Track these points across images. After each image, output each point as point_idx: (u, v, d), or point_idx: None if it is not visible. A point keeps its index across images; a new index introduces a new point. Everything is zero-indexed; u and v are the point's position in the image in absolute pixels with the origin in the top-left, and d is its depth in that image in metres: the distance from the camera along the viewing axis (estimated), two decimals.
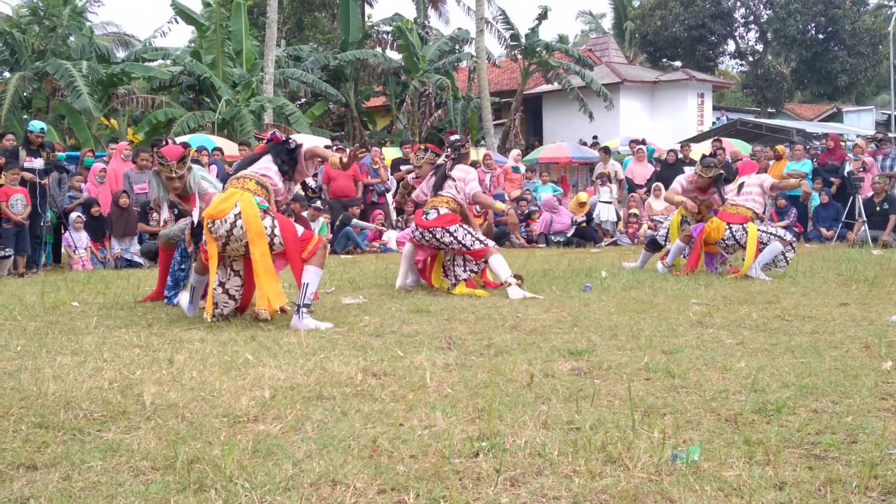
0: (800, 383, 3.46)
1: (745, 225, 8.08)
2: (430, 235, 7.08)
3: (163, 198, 6.21)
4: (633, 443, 2.67)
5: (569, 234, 14.41)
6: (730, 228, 8.15)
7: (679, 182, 8.87)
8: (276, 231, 5.36)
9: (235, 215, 5.33)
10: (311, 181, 6.48)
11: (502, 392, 3.38)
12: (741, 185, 8.50)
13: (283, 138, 5.80)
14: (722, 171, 8.63)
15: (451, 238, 7.03)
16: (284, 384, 3.53)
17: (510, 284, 6.83)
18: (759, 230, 8.08)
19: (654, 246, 9.34)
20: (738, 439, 2.71)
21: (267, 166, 5.69)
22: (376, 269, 9.63)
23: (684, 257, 8.63)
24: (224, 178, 5.94)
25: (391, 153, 18.18)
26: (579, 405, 3.15)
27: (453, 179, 7.24)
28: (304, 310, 5.25)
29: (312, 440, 2.75)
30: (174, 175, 6.00)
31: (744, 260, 8.04)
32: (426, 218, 7.09)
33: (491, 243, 7.20)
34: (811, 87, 38.13)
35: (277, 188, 5.67)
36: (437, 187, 7.29)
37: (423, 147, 7.85)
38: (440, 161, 7.48)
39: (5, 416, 3.03)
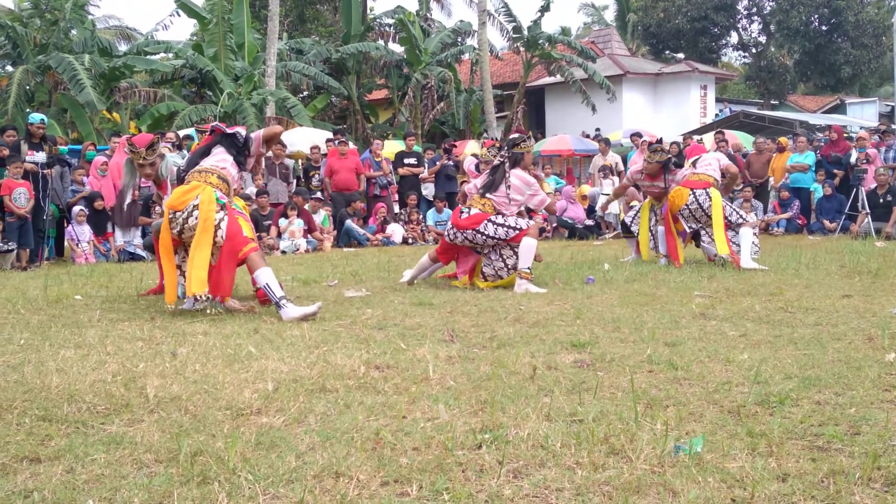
0: (803, 375, 3.46)
1: (707, 190, 8.27)
2: (462, 237, 6.93)
3: (128, 185, 6.53)
4: (635, 435, 2.67)
5: (580, 227, 14.44)
6: (693, 193, 8.28)
7: (630, 172, 9.20)
8: (223, 225, 5.60)
9: (194, 206, 5.59)
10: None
11: (505, 384, 3.38)
12: (696, 160, 8.77)
13: (230, 131, 6.02)
14: (670, 156, 8.96)
15: (484, 236, 6.83)
16: (287, 377, 3.53)
17: (524, 277, 6.72)
18: (722, 202, 8.29)
19: (628, 230, 9.45)
20: (741, 431, 2.71)
21: (223, 158, 5.94)
22: (379, 262, 9.64)
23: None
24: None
25: (394, 146, 18.20)
26: (582, 397, 3.15)
27: (508, 186, 6.90)
28: (284, 302, 5.36)
29: (315, 432, 2.75)
30: (144, 162, 6.27)
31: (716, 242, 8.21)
32: (461, 217, 6.95)
33: (525, 223, 6.91)
34: (814, 78, 38.04)
35: (234, 178, 5.93)
36: (489, 188, 6.95)
37: (496, 145, 7.78)
38: (496, 161, 7.15)
39: (9, 410, 3.04)
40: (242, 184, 6.18)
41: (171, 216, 5.69)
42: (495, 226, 6.81)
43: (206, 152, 5.96)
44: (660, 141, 9.80)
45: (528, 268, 6.78)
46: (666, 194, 8.63)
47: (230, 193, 5.82)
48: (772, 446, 2.56)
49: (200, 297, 5.40)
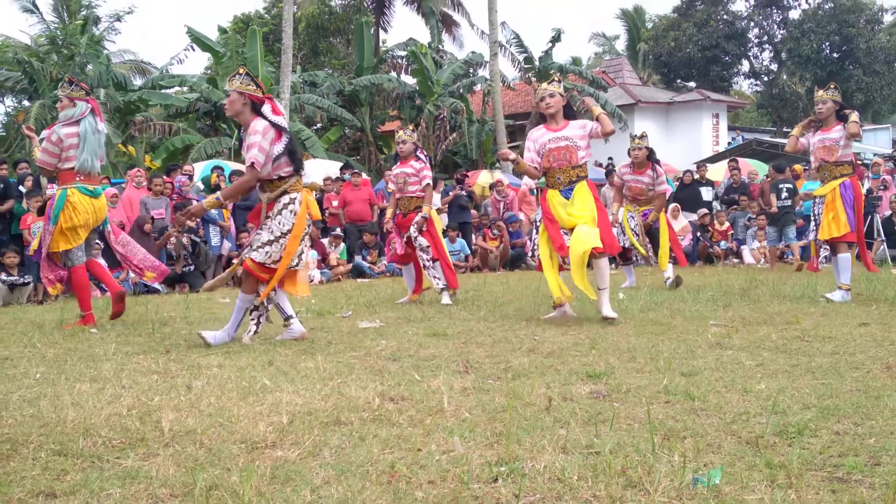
0: (821, 405, 3.43)
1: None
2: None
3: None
4: (653, 467, 2.65)
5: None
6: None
7: (618, 168, 9.84)
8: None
9: None
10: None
11: (520, 416, 3.36)
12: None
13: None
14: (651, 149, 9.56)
15: None
16: (302, 409, 3.53)
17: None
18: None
19: (623, 256, 9.56)
20: (760, 462, 2.69)
21: None
22: (393, 292, 9.64)
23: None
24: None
25: None
26: (598, 429, 3.13)
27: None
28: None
29: (330, 466, 2.74)
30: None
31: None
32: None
33: None
34: None
35: None
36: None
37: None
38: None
39: (25, 444, 3.04)
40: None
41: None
42: None
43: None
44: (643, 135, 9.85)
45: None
46: (648, 196, 9.11)
47: None
48: (791, 478, 2.53)
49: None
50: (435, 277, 8.33)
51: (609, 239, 6.55)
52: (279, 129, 5.52)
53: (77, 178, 6.88)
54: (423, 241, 8.33)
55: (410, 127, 10.08)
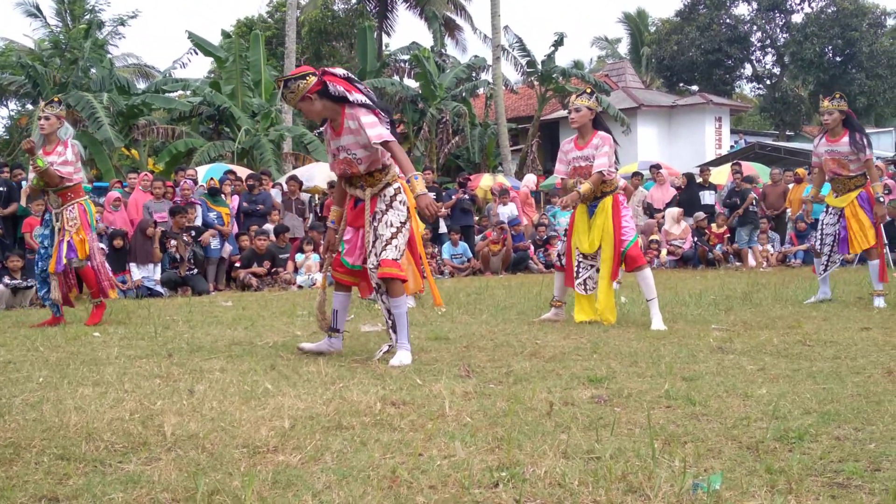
0: (822, 410, 3.43)
1: None
2: None
3: (37, 144, 7.18)
4: (653, 472, 2.65)
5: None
6: None
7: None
8: None
9: None
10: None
11: (522, 421, 3.37)
12: None
13: None
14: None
15: None
16: (304, 414, 3.53)
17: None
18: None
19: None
20: (760, 468, 2.69)
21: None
22: None
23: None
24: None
25: None
26: (599, 434, 3.14)
27: None
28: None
29: (332, 470, 2.75)
30: (42, 114, 7.13)
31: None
32: None
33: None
34: None
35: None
36: None
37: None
38: None
39: (27, 448, 3.05)
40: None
41: None
42: None
43: None
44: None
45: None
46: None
47: None
48: (791, 483, 2.53)
49: None
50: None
51: (635, 252, 6.64)
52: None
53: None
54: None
55: None
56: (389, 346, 5.18)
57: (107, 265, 7.60)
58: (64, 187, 7.21)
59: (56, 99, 7.48)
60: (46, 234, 7.34)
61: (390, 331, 5.17)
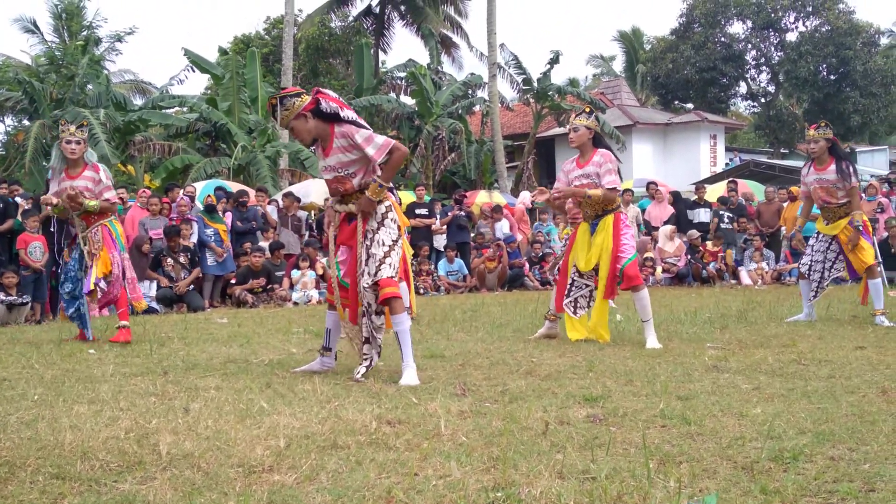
0: (816, 430, 3.44)
1: None
2: None
3: (57, 168, 7.14)
4: (648, 493, 2.66)
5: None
6: None
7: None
8: None
9: None
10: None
11: (517, 440, 3.37)
12: None
13: None
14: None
15: None
16: (299, 433, 3.53)
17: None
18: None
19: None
20: (755, 488, 2.70)
21: None
22: None
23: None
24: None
25: (405, 197, 18.31)
26: (595, 454, 3.14)
27: None
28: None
29: (327, 490, 2.75)
30: (72, 138, 7.00)
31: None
32: None
33: None
34: None
35: None
36: None
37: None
38: None
39: (22, 467, 3.05)
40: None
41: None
42: None
43: None
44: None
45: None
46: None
47: None
48: None
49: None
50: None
51: (632, 271, 6.63)
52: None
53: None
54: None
55: None
56: (367, 366, 5.14)
57: (136, 283, 7.65)
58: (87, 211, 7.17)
59: (84, 123, 7.39)
60: (76, 258, 7.28)
61: (364, 351, 5.18)
